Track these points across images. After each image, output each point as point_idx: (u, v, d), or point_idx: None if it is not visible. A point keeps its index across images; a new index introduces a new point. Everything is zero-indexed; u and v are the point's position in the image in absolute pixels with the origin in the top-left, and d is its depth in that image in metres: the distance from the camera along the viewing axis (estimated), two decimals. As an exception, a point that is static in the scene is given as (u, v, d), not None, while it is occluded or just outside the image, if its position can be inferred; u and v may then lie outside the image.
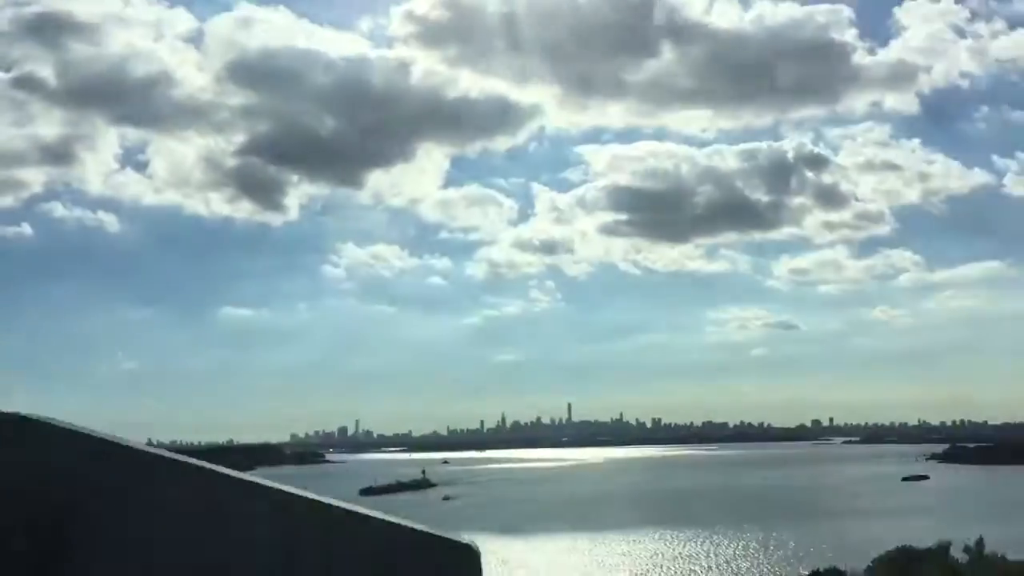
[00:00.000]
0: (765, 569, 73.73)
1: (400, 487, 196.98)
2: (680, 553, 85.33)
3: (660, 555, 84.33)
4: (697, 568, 76.63)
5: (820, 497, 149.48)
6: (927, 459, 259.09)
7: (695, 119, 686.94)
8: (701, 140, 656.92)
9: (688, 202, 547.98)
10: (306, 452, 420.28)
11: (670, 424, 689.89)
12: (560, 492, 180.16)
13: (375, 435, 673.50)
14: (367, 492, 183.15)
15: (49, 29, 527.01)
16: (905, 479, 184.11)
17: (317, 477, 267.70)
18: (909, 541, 69.84)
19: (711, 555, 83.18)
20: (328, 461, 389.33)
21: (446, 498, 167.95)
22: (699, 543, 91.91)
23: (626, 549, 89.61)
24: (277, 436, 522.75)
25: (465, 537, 3.37)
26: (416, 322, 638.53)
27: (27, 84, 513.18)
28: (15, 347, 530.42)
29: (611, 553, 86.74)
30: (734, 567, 75.79)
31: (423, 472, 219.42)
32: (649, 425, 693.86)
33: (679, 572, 75.17)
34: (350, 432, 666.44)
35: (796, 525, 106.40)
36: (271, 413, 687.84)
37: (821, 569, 47.53)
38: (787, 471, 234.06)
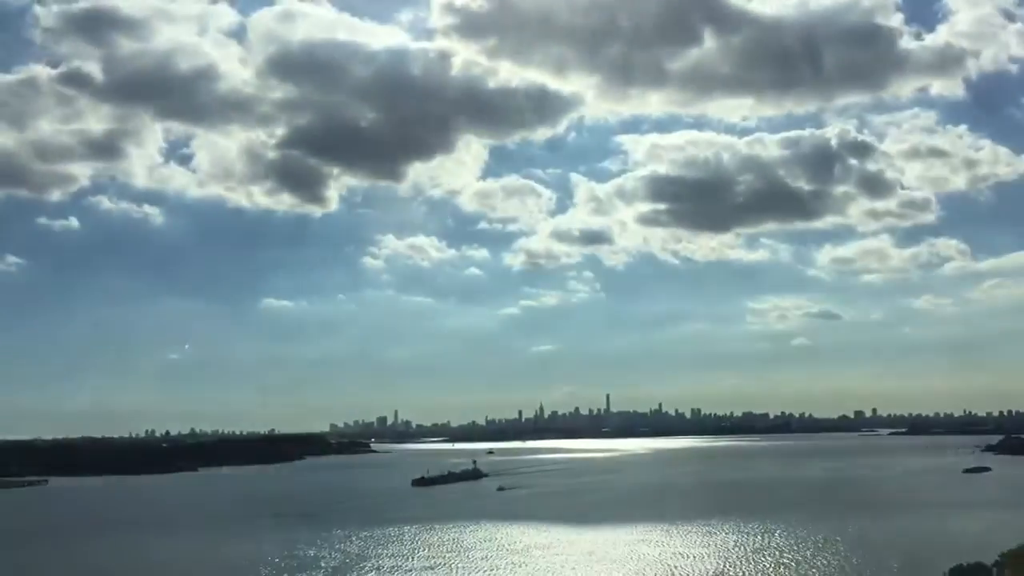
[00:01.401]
0: (856, 562, 72.57)
1: (452, 477, 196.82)
2: (762, 545, 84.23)
3: (741, 547, 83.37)
4: (785, 561, 75.50)
5: (886, 489, 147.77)
6: (982, 450, 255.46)
7: (736, 107, 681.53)
8: (742, 128, 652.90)
9: (729, 191, 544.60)
10: (351, 441, 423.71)
11: (710, 415, 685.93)
12: (620, 483, 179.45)
13: (414, 425, 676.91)
14: (420, 483, 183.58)
15: (96, 25, 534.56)
16: (967, 471, 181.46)
17: (366, 467, 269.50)
18: (1001, 535, 68.85)
19: (794, 548, 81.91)
20: (373, 451, 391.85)
21: (500, 488, 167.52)
22: (777, 535, 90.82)
23: (703, 540, 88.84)
24: (318, 426, 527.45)
25: None
26: (454, 313, 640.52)
27: (75, 80, 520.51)
28: (64, 338, 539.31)
29: (689, 544, 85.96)
30: (823, 562, 74.67)
31: (474, 463, 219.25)
32: (688, 416, 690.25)
33: (766, 566, 74.14)
34: (389, 422, 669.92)
35: (872, 517, 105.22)
36: (311, 403, 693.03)
37: (964, 564, 46.63)
38: (842, 462, 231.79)
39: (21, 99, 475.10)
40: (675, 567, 75.10)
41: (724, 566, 74.80)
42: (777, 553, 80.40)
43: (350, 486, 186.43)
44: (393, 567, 78.68)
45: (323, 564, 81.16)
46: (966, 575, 45.40)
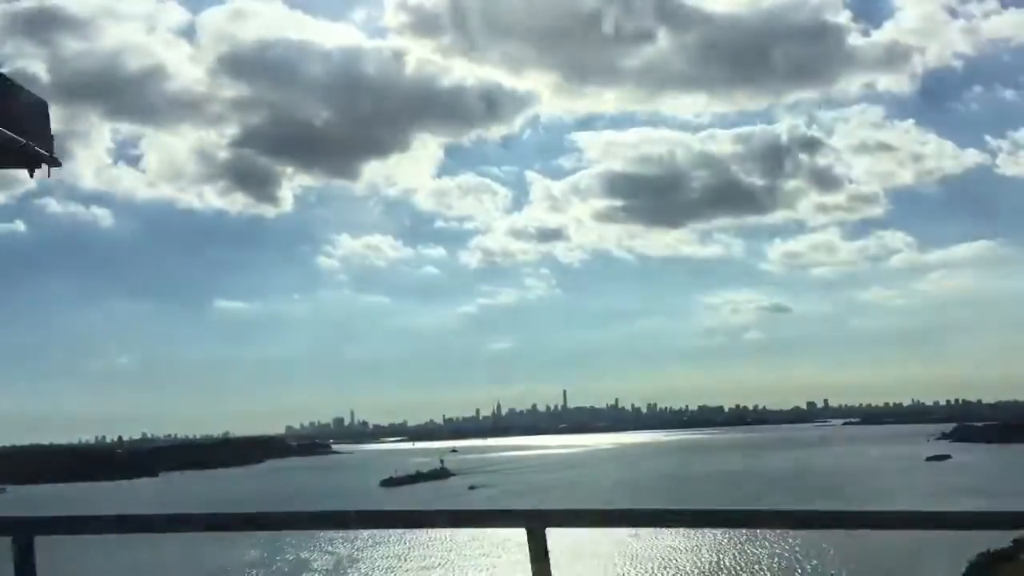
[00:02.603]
0: (853, 551, 73.99)
1: (420, 477, 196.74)
2: (748, 535, 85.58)
3: (727, 536, 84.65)
4: (777, 552, 77.09)
5: (856, 478, 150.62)
6: (936, 439, 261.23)
7: (689, 104, 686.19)
8: (695, 125, 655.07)
9: (683, 187, 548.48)
10: (312, 443, 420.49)
11: (666, 409, 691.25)
12: (590, 478, 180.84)
13: (371, 425, 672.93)
14: (388, 483, 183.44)
15: (40, 25, 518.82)
16: (929, 459, 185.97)
17: (330, 469, 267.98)
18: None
19: (784, 542, 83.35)
20: (335, 452, 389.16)
21: (472, 487, 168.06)
22: (764, 530, 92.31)
23: (691, 534, 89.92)
24: (273, 428, 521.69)
25: None
26: (411, 312, 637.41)
27: (19, 80, 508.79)
28: (10, 343, 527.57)
29: (679, 538, 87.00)
30: (817, 552, 76.24)
31: (441, 461, 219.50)
32: (645, 410, 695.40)
33: (756, 555, 75.69)
34: (346, 422, 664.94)
35: (852, 506, 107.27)
36: (266, 406, 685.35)
37: (990, 550, 47.91)
38: (805, 452, 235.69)
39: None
40: (667, 559, 76.17)
41: (717, 556, 75.99)
42: (764, 543, 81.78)
43: (318, 488, 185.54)
44: (391, 567, 78.80)
45: (316, 567, 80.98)
46: (996, 559, 46.69)
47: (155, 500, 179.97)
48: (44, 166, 18.53)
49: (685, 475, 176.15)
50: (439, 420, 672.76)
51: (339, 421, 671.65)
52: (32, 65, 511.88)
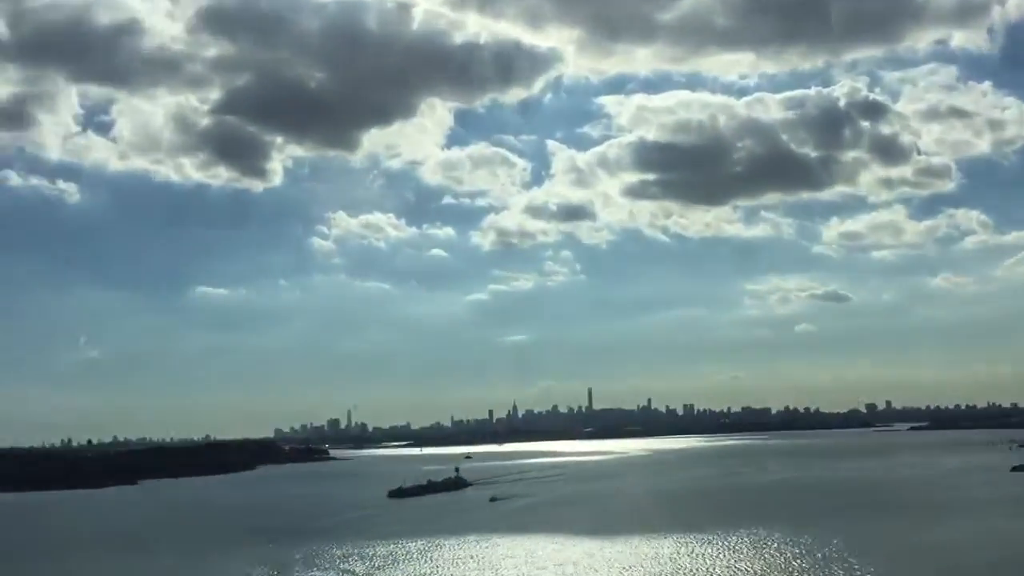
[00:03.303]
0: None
1: (433, 487, 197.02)
2: (825, 555, 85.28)
3: (803, 557, 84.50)
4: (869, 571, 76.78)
5: (937, 493, 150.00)
6: (1020, 446, 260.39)
7: (734, 64, 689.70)
8: (741, 88, 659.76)
9: (725, 159, 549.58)
10: (308, 448, 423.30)
11: (705, 411, 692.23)
12: (628, 490, 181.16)
13: (370, 428, 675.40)
14: (396, 494, 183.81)
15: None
16: (1015, 469, 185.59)
17: (330, 477, 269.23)
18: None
19: (865, 555, 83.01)
20: (333, 458, 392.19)
21: (493, 499, 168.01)
22: (838, 542, 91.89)
23: (755, 552, 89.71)
24: (260, 431, 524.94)
25: None
26: (415, 300, 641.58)
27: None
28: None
29: (739, 557, 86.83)
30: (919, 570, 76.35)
31: (456, 470, 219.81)
32: (681, 413, 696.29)
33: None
34: (343, 425, 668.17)
35: (939, 522, 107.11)
36: (251, 406, 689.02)
37: None
38: (870, 462, 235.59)
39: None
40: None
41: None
42: (848, 562, 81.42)
43: (319, 499, 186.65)
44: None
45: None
46: None
47: (121, 510, 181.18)
48: None
49: (735, 488, 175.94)
50: (447, 422, 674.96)
51: (334, 423, 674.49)
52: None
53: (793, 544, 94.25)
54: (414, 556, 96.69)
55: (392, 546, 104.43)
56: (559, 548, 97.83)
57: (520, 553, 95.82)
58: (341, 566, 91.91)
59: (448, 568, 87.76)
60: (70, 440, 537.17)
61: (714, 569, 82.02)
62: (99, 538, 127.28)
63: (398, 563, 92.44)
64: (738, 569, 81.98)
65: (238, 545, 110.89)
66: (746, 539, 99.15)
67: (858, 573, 77.15)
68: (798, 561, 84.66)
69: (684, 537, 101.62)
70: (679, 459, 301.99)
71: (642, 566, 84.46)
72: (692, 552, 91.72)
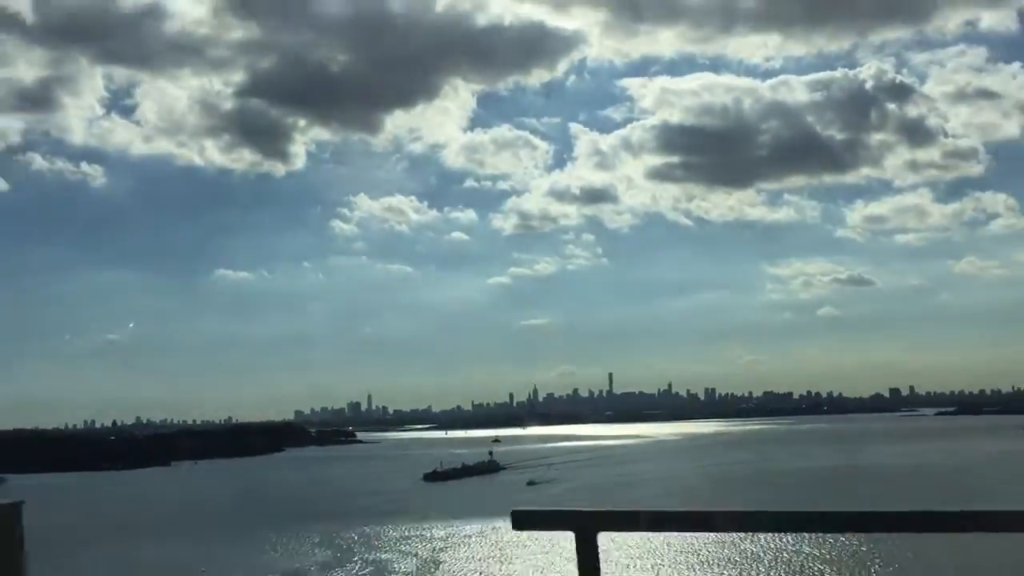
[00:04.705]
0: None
1: (467, 471, 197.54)
2: (891, 552, 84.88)
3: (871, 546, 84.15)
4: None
5: (977, 476, 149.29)
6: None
7: (759, 46, 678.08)
8: (766, 70, 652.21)
9: (749, 142, 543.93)
10: (334, 431, 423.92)
11: (726, 395, 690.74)
12: (666, 472, 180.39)
13: (391, 411, 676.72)
14: (432, 477, 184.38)
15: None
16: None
17: (360, 459, 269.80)
18: None
19: (931, 556, 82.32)
20: (360, 440, 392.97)
21: (531, 482, 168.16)
22: (895, 538, 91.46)
23: (820, 540, 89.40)
24: (281, 414, 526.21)
25: None
26: (436, 282, 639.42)
27: (1, 21, 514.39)
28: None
29: (808, 543, 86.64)
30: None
31: (490, 453, 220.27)
32: (702, 397, 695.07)
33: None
34: (363, 408, 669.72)
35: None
36: (272, 388, 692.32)
37: None
38: (903, 448, 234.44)
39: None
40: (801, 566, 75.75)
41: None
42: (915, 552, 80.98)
43: (353, 481, 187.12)
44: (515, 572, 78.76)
45: (398, 568, 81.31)
46: None
47: (158, 492, 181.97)
48: None
49: (770, 472, 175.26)
50: (467, 406, 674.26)
51: (355, 406, 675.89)
52: (15, 3, 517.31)
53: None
54: (473, 538, 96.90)
55: (448, 528, 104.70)
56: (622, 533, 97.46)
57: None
58: (400, 547, 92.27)
59: (514, 550, 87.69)
60: (93, 421, 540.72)
61: (782, 554, 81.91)
62: (158, 520, 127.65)
63: (459, 546, 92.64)
64: (806, 554, 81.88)
65: (293, 527, 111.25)
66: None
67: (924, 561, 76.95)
68: (864, 548, 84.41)
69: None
70: (709, 443, 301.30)
71: (710, 550, 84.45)
72: (758, 537, 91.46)
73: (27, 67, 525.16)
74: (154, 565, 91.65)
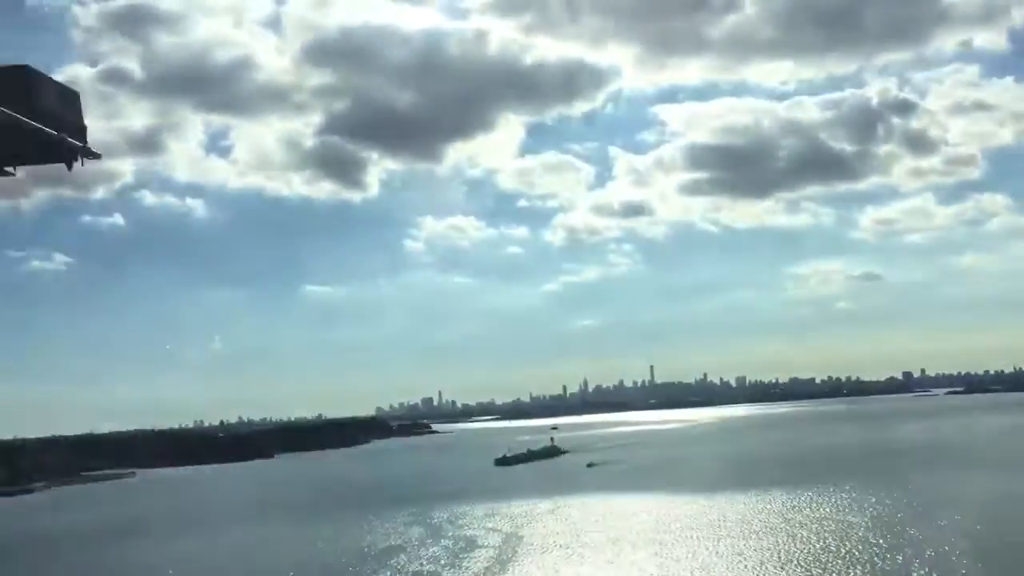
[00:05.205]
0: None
1: (532, 455, 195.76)
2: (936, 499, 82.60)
3: (913, 505, 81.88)
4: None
5: (1005, 447, 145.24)
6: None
7: (776, 71, 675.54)
8: (782, 92, 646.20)
9: (769, 157, 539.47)
10: (413, 423, 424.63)
11: (756, 382, 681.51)
12: (713, 453, 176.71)
13: (459, 405, 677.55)
14: (503, 462, 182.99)
15: (133, 21, 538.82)
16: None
17: (436, 449, 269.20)
18: None
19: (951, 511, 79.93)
20: (435, 431, 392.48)
21: (591, 464, 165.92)
22: (940, 492, 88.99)
23: (864, 501, 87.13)
24: (363, 410, 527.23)
25: None
26: (495, 291, 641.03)
27: (114, 77, 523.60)
28: (113, 332, 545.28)
29: (846, 510, 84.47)
30: None
31: (552, 440, 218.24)
32: (734, 384, 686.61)
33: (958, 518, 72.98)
34: (435, 403, 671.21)
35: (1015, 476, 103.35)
36: (355, 388, 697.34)
37: None
38: (923, 424, 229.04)
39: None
40: (852, 531, 73.72)
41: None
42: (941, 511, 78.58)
43: (435, 468, 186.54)
44: (564, 544, 77.52)
45: (483, 543, 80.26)
46: None
47: (269, 481, 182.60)
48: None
49: (814, 447, 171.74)
50: (526, 398, 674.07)
51: (428, 401, 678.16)
52: (125, 61, 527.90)
53: (888, 498, 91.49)
54: (548, 514, 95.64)
55: (523, 506, 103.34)
56: (676, 505, 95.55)
57: (648, 509, 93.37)
58: (484, 524, 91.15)
59: (588, 523, 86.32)
60: (202, 421, 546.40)
61: (826, 522, 79.88)
62: (273, 505, 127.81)
63: (535, 522, 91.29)
64: (846, 521, 79.79)
65: (388, 508, 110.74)
66: (843, 495, 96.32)
67: (950, 521, 74.66)
68: (900, 514, 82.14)
69: (785, 494, 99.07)
70: (745, 425, 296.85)
71: (769, 519, 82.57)
72: (803, 506, 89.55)
73: (139, 116, 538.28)
74: (279, 539, 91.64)
